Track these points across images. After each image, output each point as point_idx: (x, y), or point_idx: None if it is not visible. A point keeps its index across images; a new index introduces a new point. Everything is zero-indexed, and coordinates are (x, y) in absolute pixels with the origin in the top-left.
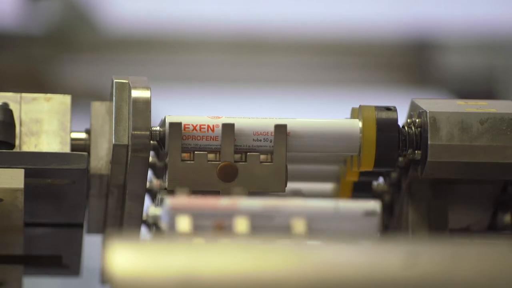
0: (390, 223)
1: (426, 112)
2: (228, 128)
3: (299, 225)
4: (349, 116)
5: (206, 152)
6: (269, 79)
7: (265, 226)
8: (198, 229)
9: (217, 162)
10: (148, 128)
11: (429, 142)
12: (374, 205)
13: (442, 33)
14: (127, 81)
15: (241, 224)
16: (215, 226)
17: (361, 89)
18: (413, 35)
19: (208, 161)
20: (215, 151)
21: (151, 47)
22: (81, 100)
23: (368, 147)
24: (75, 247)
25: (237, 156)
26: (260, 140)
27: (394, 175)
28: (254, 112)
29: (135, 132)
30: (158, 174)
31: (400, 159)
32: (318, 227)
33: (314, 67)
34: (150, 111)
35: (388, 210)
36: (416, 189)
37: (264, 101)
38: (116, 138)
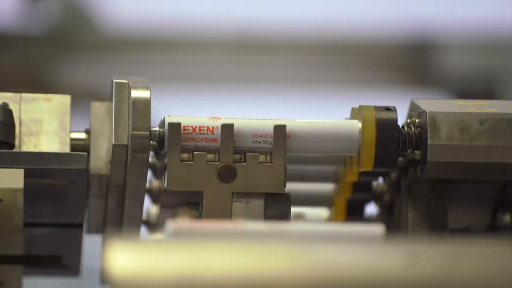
0: (390, 223)
1: (426, 112)
2: (228, 129)
3: None
4: (349, 116)
5: (205, 153)
6: (269, 79)
7: None
8: None
9: (216, 163)
10: (148, 128)
11: (428, 142)
12: (378, 230)
13: (442, 33)
14: (127, 81)
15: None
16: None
17: (361, 89)
18: (413, 35)
19: (207, 161)
20: (214, 151)
21: (151, 47)
22: (81, 100)
23: (367, 147)
24: (75, 247)
25: (236, 156)
26: (260, 142)
27: (394, 175)
28: (254, 112)
29: (135, 132)
30: (158, 175)
31: (400, 159)
32: None
33: (314, 67)
34: (150, 111)
35: (388, 210)
36: (416, 189)
37: (264, 101)
38: (116, 138)
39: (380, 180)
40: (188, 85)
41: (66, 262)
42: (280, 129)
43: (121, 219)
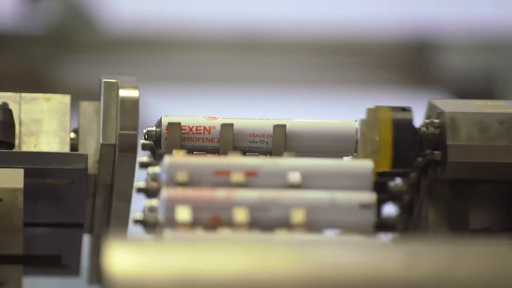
0: (409, 224)
1: (445, 112)
2: (227, 128)
3: (296, 216)
4: (349, 116)
5: (205, 153)
6: (269, 79)
7: (262, 218)
8: (196, 222)
9: None
10: (136, 127)
11: (448, 143)
12: (370, 197)
13: (442, 33)
14: (115, 81)
15: (240, 215)
16: (213, 218)
17: (361, 89)
18: (413, 35)
19: None
20: (212, 151)
21: (151, 47)
22: (81, 100)
23: (384, 148)
24: (75, 247)
25: None
26: (257, 142)
27: (413, 175)
28: (254, 112)
29: (123, 132)
30: None
31: (419, 159)
32: (314, 218)
33: (314, 67)
34: (138, 111)
35: (407, 211)
36: (436, 190)
37: (264, 101)
38: (104, 137)
39: (398, 180)
40: (188, 85)
41: (66, 262)
42: (279, 129)
43: (108, 219)
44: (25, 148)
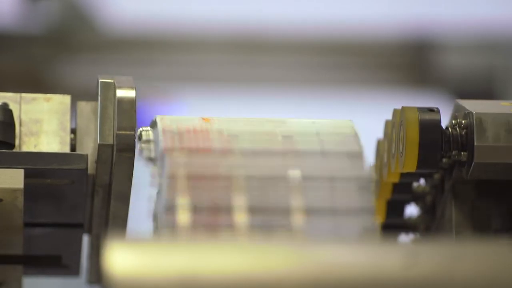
0: (432, 225)
1: (472, 113)
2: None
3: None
4: (349, 116)
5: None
6: (269, 79)
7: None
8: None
9: None
10: (133, 127)
11: (475, 144)
12: (356, 146)
13: (442, 33)
14: (112, 81)
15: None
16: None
17: (361, 89)
18: (413, 35)
19: None
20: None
21: (150, 47)
22: (81, 100)
23: (411, 148)
24: (75, 247)
25: None
26: None
27: (436, 176)
28: (254, 112)
29: (120, 132)
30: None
31: (444, 160)
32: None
33: (314, 67)
34: (135, 111)
35: (430, 211)
36: (460, 190)
37: (264, 101)
38: (101, 137)
39: (421, 181)
40: (188, 85)
41: (66, 262)
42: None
43: (106, 219)
44: (25, 148)
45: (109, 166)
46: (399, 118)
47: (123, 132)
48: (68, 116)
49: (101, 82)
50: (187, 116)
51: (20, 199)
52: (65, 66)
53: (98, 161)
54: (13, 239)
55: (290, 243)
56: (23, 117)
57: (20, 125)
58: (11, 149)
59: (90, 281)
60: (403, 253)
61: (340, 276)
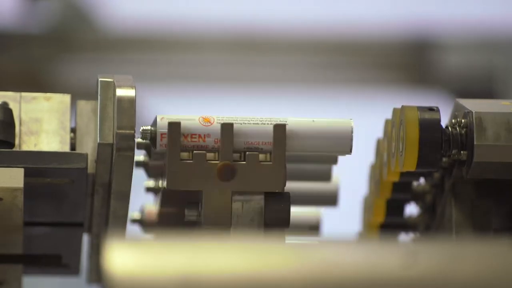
0: (431, 224)
1: (472, 112)
2: (227, 128)
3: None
4: (348, 116)
5: (205, 152)
6: (268, 79)
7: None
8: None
9: (216, 162)
10: (133, 127)
11: (475, 143)
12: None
13: (442, 33)
14: (112, 80)
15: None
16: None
17: (361, 89)
18: (413, 35)
19: (207, 160)
20: (213, 151)
21: (151, 47)
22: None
23: (411, 148)
24: (75, 247)
25: (236, 156)
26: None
27: (436, 175)
28: (254, 112)
29: (120, 131)
30: (150, 174)
31: (444, 159)
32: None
33: (314, 67)
34: (135, 110)
35: (430, 211)
36: (460, 190)
37: (263, 100)
38: (101, 137)
39: (421, 180)
40: (187, 85)
41: (66, 261)
42: (280, 128)
43: (106, 218)
44: (25, 147)
45: (109, 165)
46: (399, 117)
47: (123, 131)
48: (68, 115)
49: (101, 81)
50: (188, 115)
51: (20, 198)
52: (65, 65)
53: (98, 160)
54: (12, 238)
55: (290, 243)
56: (23, 116)
57: (20, 124)
58: (11, 148)
59: (90, 280)
60: (403, 252)
61: (340, 275)
